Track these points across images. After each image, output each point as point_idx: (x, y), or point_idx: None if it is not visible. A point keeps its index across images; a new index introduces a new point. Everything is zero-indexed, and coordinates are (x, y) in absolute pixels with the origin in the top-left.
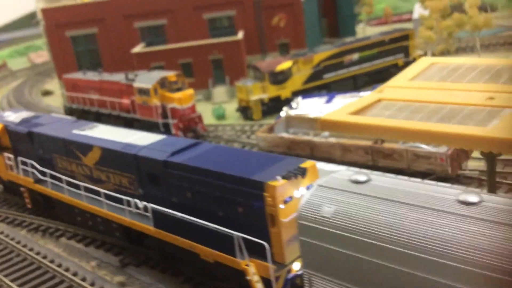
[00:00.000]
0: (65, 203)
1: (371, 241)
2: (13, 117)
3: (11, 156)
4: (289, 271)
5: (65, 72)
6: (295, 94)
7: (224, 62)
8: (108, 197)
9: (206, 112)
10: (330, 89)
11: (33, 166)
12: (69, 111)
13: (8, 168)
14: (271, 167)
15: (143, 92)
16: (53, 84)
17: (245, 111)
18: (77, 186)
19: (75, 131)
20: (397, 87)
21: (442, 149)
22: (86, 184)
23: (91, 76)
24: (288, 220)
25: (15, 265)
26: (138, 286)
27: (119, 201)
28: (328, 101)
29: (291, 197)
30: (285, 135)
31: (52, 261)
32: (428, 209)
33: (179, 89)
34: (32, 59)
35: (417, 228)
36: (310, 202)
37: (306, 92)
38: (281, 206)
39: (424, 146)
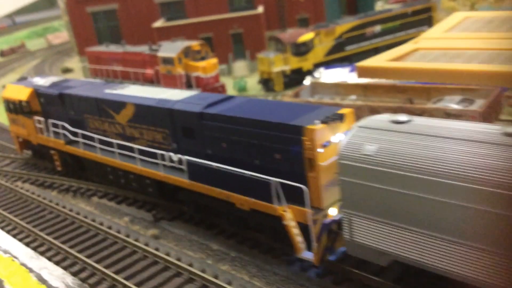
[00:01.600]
0: (97, 163)
1: (416, 175)
2: (43, 81)
3: (42, 119)
4: (325, 216)
5: (85, 47)
6: (317, 66)
7: (244, 37)
8: (141, 153)
9: (227, 86)
10: (352, 62)
11: (64, 128)
12: None
13: (38, 131)
14: (309, 113)
15: (167, 61)
16: (72, 62)
17: (266, 83)
18: (109, 145)
19: (107, 91)
20: (433, 38)
21: (474, 107)
22: (119, 141)
23: (114, 48)
24: (326, 164)
25: (48, 221)
26: (171, 238)
27: (153, 156)
28: (352, 70)
29: (329, 142)
30: (311, 99)
31: (85, 217)
32: (474, 142)
33: (203, 58)
34: (50, 40)
35: (464, 160)
36: (352, 142)
37: (327, 64)
38: (320, 150)
39: (455, 105)
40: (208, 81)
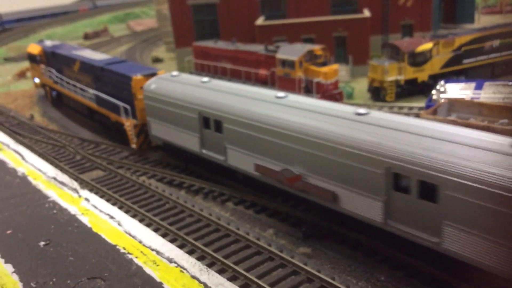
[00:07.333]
0: (66, 95)
1: (167, 98)
2: (49, 44)
3: (44, 66)
4: (144, 125)
5: (182, 40)
6: (432, 78)
7: (348, 40)
8: (82, 90)
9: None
10: (468, 76)
11: (52, 73)
12: None
13: (43, 74)
14: (141, 71)
15: (287, 64)
16: (160, 52)
17: (377, 91)
18: (69, 84)
19: (73, 52)
20: None
21: None
22: (74, 82)
23: (224, 45)
24: (142, 97)
25: (191, 225)
26: (325, 259)
27: (85, 92)
28: (478, 87)
29: None
30: (458, 119)
31: (228, 224)
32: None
33: (324, 64)
34: (131, 26)
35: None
36: (149, 84)
37: (443, 77)
38: (140, 89)
39: None
40: (327, 88)
